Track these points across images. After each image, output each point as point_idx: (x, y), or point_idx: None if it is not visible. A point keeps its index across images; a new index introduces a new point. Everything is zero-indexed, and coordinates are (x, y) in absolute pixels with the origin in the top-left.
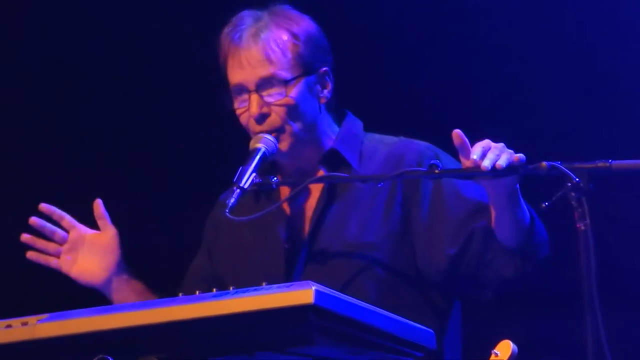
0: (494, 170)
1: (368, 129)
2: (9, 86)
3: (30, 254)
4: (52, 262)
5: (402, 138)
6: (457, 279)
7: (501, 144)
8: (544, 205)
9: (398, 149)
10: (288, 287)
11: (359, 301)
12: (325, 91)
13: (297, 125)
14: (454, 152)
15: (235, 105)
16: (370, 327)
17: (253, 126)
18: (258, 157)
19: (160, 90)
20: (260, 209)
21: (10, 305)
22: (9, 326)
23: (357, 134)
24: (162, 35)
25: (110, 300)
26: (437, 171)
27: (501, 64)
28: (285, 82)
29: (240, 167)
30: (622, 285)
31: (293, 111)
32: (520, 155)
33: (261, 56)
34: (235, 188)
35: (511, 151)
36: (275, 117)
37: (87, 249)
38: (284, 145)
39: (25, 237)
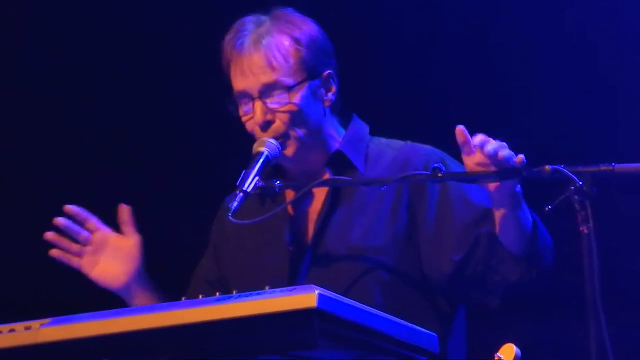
0: (497, 173)
1: (372, 130)
2: (9, 86)
3: (54, 252)
4: (75, 262)
5: (409, 142)
6: (463, 284)
7: (504, 143)
8: (547, 208)
9: (405, 153)
10: (291, 291)
11: (363, 305)
12: (330, 94)
13: (302, 131)
14: (458, 156)
15: (240, 112)
16: (374, 331)
17: (258, 133)
18: (261, 161)
19: (165, 91)
20: (266, 212)
21: (14, 309)
22: (12, 330)
23: (363, 137)
24: (164, 36)
25: (129, 306)
26: (440, 174)
27: (505, 67)
28: (289, 88)
29: (244, 171)
30: (625, 288)
31: (297, 117)
32: (522, 157)
33: (263, 63)
34: (238, 192)
35: (512, 152)
36: (280, 123)
37: (109, 253)
38: (289, 151)
39: (50, 235)
